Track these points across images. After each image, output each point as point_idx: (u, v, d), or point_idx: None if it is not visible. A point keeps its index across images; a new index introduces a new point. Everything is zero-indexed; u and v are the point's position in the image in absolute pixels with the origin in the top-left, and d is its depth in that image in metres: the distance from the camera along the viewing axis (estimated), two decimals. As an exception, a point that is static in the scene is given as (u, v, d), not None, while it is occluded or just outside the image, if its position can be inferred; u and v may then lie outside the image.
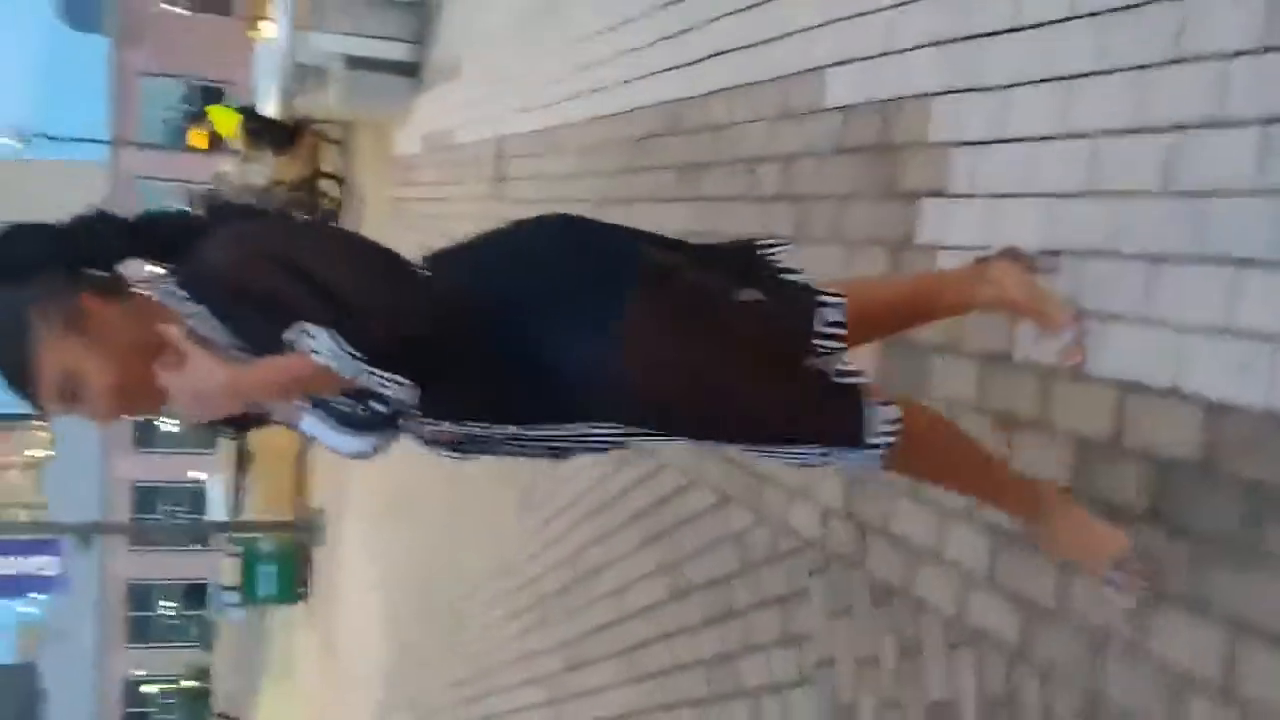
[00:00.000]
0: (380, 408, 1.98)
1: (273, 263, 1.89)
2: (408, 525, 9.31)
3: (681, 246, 2.24)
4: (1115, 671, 2.33)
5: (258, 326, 1.90)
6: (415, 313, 1.89)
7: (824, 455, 2.10)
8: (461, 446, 2.13)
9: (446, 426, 2.07)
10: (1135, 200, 2.32)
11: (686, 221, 4.29)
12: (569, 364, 1.97)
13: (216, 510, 24.52)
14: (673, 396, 2.01)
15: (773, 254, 2.24)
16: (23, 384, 1.95)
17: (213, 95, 32.35)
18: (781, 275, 2.21)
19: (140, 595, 41.29)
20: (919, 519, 2.93)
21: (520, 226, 2.16)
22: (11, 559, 13.43)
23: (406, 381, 1.86)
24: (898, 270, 3.06)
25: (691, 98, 4.32)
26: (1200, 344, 2.16)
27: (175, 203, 33.85)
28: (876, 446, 2.07)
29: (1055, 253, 2.45)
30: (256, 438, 17.59)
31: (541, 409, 2.05)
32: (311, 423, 2.05)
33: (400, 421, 2.04)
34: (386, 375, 1.83)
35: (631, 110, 4.92)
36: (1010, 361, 2.65)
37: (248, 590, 15.48)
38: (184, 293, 1.94)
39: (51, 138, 30.74)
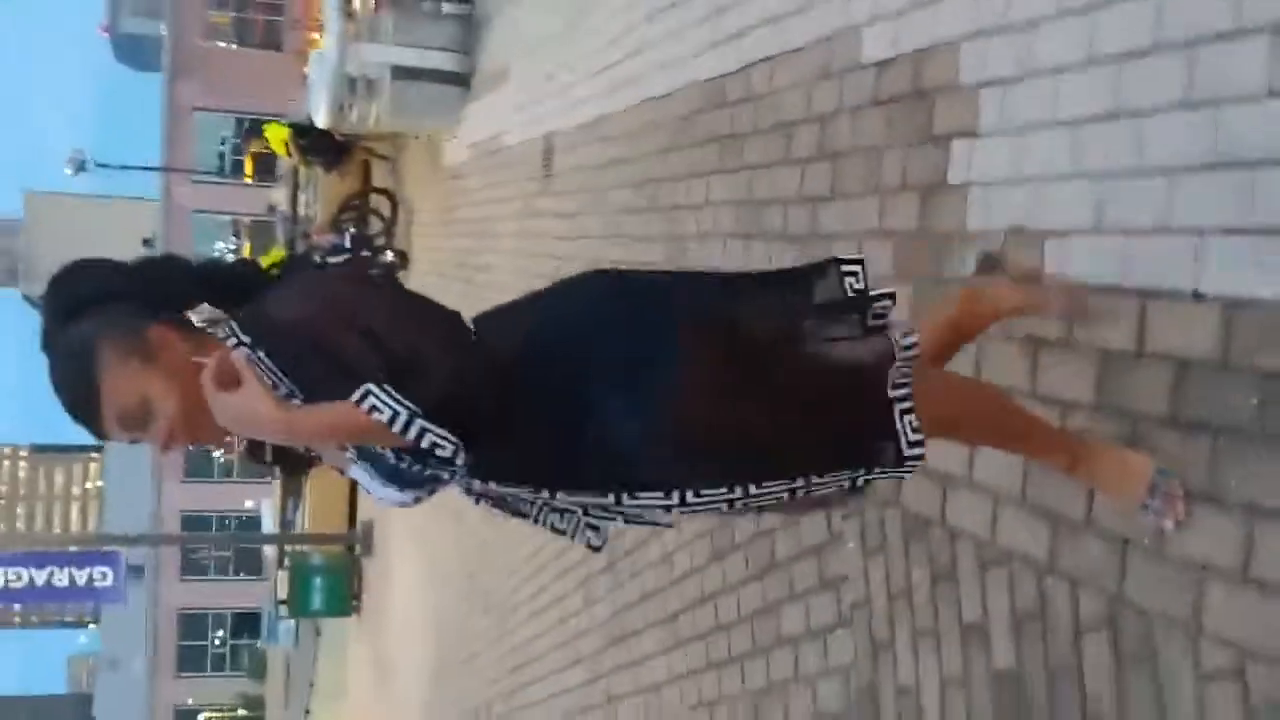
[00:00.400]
0: (426, 467, 1.99)
1: (338, 317, 1.94)
2: (452, 527, 9.43)
3: (740, 285, 2.19)
4: (1138, 573, 2.40)
5: (316, 377, 1.93)
6: (472, 374, 1.92)
7: (857, 477, 2.08)
8: (503, 504, 2.15)
9: (491, 487, 2.08)
10: (1155, 117, 2.42)
11: (728, 192, 4.41)
12: (615, 427, 1.98)
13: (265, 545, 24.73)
14: (717, 451, 2.01)
15: (851, 272, 2.14)
16: (86, 411, 1.97)
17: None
18: (856, 300, 2.13)
19: (191, 625, 41.67)
20: (951, 448, 3.01)
21: (567, 288, 2.13)
22: (69, 570, 13.70)
23: (457, 441, 1.87)
24: (930, 214, 3.17)
25: (733, 72, 4.46)
26: (1218, 246, 2.25)
27: (228, 235, 34.41)
28: (914, 457, 2.07)
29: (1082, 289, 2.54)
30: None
31: (583, 477, 2.03)
32: (358, 472, 2.08)
33: (444, 478, 2.05)
34: (438, 433, 1.84)
35: (675, 91, 5.07)
36: (1040, 285, 2.74)
37: (300, 604, 15.62)
38: (247, 337, 1.95)
39: (103, 165, 31.28)
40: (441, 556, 10.13)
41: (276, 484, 23.61)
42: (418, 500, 2.12)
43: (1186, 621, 2.27)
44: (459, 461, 1.89)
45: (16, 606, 70.22)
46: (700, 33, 4.86)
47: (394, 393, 1.83)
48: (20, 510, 69.56)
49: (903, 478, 2.14)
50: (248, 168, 29.78)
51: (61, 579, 13.78)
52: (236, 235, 34.34)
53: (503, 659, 7.62)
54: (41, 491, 73.10)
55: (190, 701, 39.85)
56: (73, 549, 15.74)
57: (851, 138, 3.59)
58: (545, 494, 2.06)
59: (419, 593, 11.28)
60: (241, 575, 43.42)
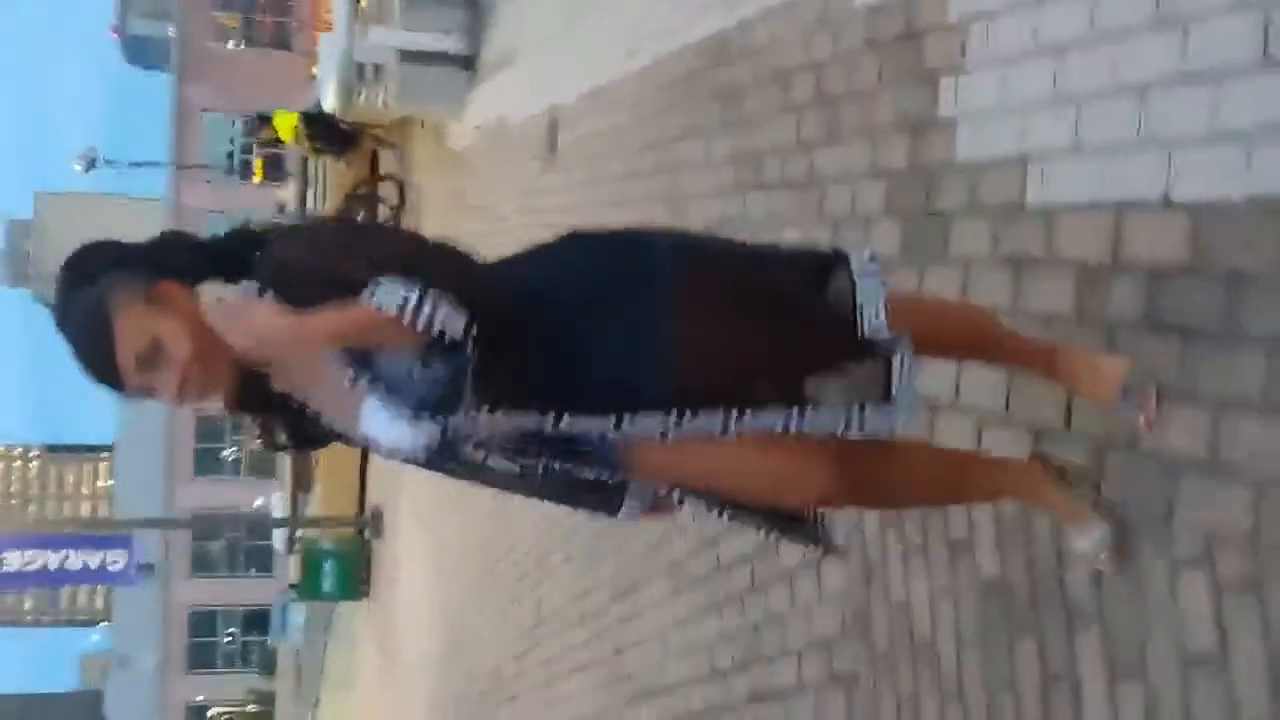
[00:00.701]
0: (439, 367, 2.03)
1: (345, 249, 2.05)
2: (461, 505, 9.56)
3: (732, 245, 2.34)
4: (1115, 473, 2.52)
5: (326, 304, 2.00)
6: (478, 278, 2.07)
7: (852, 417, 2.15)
8: (515, 457, 2.19)
9: (499, 416, 2.10)
10: (1128, 39, 2.54)
11: (728, 146, 4.53)
12: (617, 345, 2.09)
13: (278, 537, 24.84)
14: (717, 361, 2.11)
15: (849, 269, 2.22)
16: (102, 362, 2.01)
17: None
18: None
19: (202, 622, 41.83)
20: (939, 372, 3.13)
21: (553, 243, 2.25)
22: (83, 553, 13.84)
23: (466, 314, 1.96)
24: (920, 150, 3.29)
25: (732, 28, 4.58)
26: (1189, 154, 2.38)
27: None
28: (906, 400, 2.15)
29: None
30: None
31: (587, 396, 2.10)
32: (369, 412, 2.07)
33: (457, 403, 2.06)
34: (447, 309, 1.93)
35: (677, 53, 5.19)
36: (1023, 209, 2.86)
37: (311, 587, 15.77)
38: (255, 281, 2.04)
39: (111, 161, 31.46)
40: (449, 534, 10.26)
41: (286, 477, 23.79)
42: (429, 449, 2.10)
43: (1160, 514, 2.38)
44: (471, 338, 1.97)
45: (28, 605, 70.51)
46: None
47: (402, 279, 1.94)
48: (32, 509, 69.95)
49: (891, 428, 2.18)
50: (257, 171, 29.91)
51: (75, 562, 13.93)
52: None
53: (510, 626, 7.75)
54: (53, 490, 73.44)
55: (201, 698, 39.96)
56: (86, 533, 15.92)
57: (846, 82, 3.72)
58: (550, 419, 2.10)
59: (428, 571, 11.41)
60: (252, 572, 43.64)
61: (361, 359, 2.06)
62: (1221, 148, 2.28)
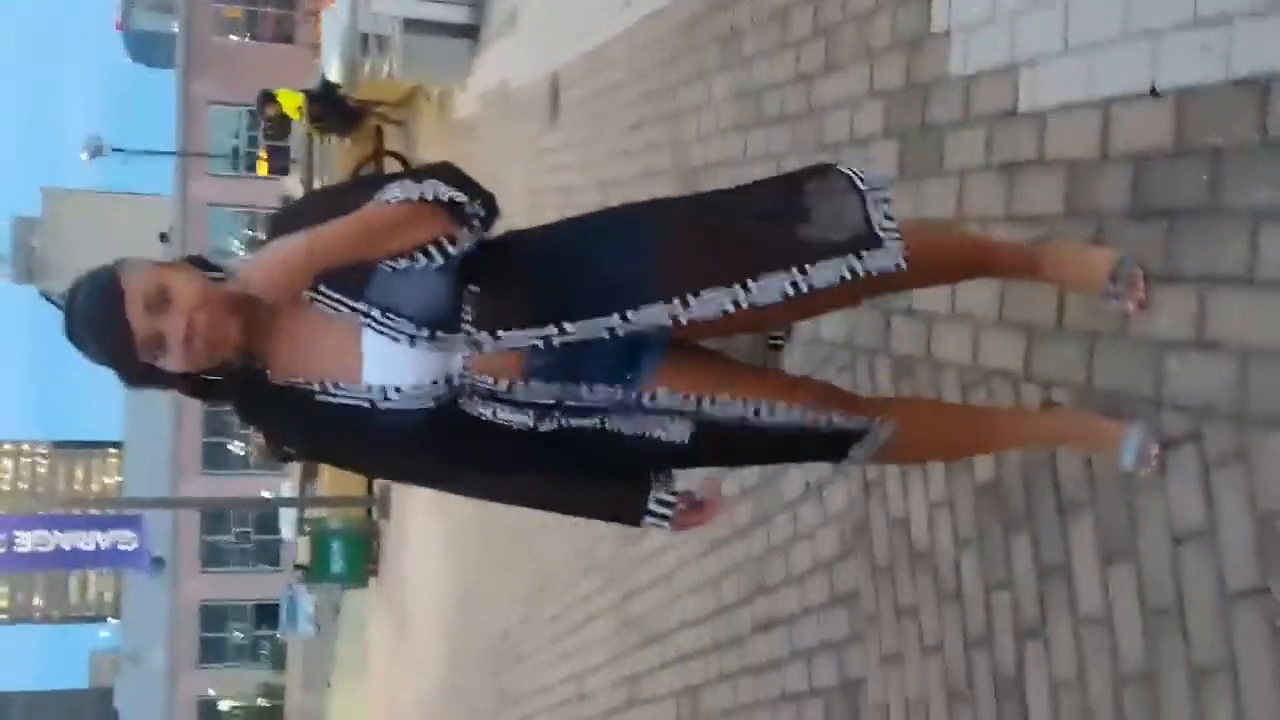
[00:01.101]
0: (438, 271, 2.06)
1: (353, 190, 2.16)
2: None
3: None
4: (1105, 362, 2.58)
5: None
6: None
7: (854, 266, 2.18)
8: (525, 409, 2.19)
9: (502, 337, 2.11)
10: (1114, -64, 2.59)
11: (728, 87, 4.58)
12: (612, 253, 2.16)
13: (287, 527, 24.97)
14: (708, 252, 2.17)
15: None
16: (112, 326, 2.01)
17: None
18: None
19: (212, 617, 41.96)
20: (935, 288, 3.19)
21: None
22: (93, 533, 13.93)
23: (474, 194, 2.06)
24: (916, 67, 3.34)
25: (731, -30, 4.64)
26: (1171, 42, 2.42)
27: (243, 228, 34.65)
28: (893, 237, 2.20)
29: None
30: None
31: (588, 298, 2.13)
32: (371, 352, 2.09)
33: (457, 317, 2.08)
34: (455, 190, 2.03)
35: (676, 2, 5.24)
36: (1015, 115, 2.91)
37: (319, 568, 15.86)
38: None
39: (119, 149, 31.52)
40: (457, 503, 10.32)
41: (295, 469, 23.90)
42: (435, 385, 2.12)
43: (1149, 397, 2.44)
44: (482, 216, 2.06)
45: (37, 601, 70.81)
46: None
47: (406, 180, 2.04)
48: (41, 491, 70.30)
49: (896, 263, 2.21)
50: (261, 164, 29.90)
51: (87, 543, 14.00)
52: (252, 228, 34.62)
53: (518, 583, 7.82)
54: (62, 487, 73.66)
55: (211, 692, 40.12)
56: (95, 513, 16.00)
57: (842, 11, 3.77)
58: (554, 329, 2.11)
59: (436, 544, 11.49)
60: (262, 567, 43.78)
61: (358, 290, 2.07)
62: (1204, 32, 2.33)
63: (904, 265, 2.21)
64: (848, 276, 2.19)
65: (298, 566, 16.40)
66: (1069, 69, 2.72)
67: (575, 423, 2.22)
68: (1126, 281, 2.46)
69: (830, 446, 2.36)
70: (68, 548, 13.95)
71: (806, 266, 2.16)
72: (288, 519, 21.75)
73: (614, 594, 5.83)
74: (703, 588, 4.70)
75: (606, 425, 2.22)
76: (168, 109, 41.92)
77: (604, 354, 2.17)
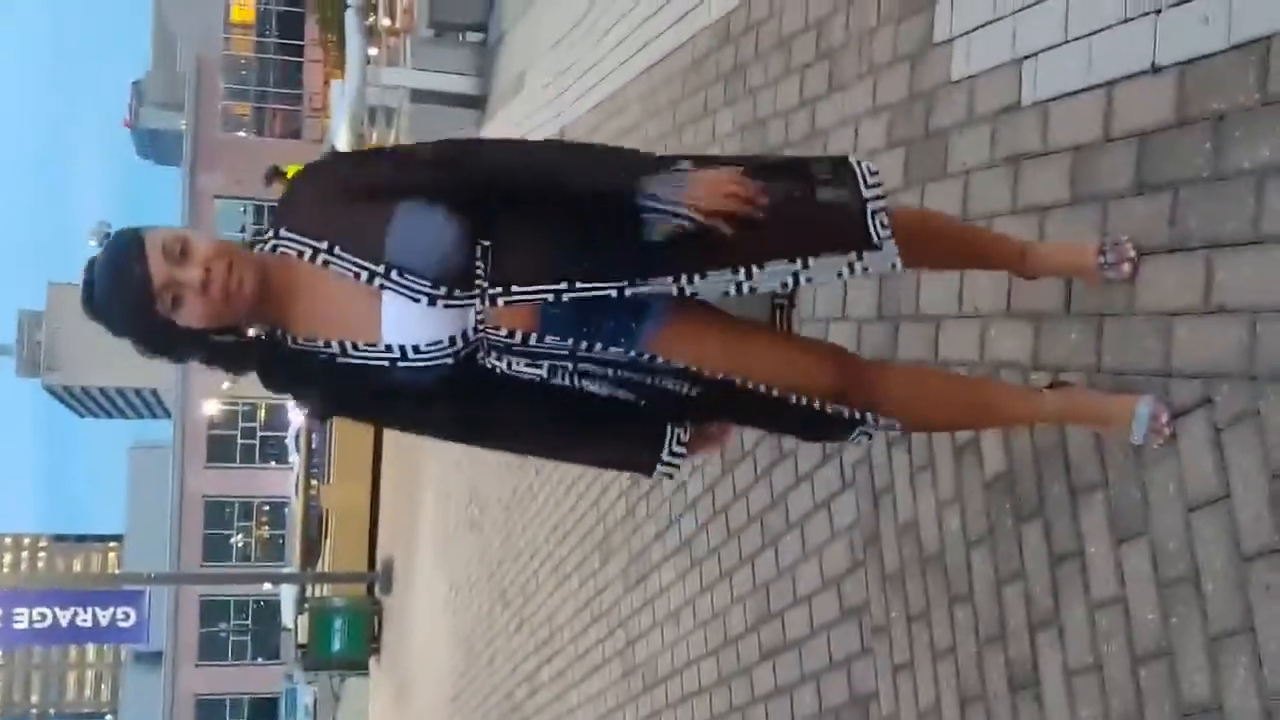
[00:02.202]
0: (453, 219, 2.09)
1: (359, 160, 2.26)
2: (471, 535, 9.59)
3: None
4: (1113, 341, 2.59)
5: (351, 216, 2.12)
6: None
7: (853, 263, 2.23)
8: (539, 361, 2.20)
9: (515, 295, 2.13)
10: (1113, -74, 2.65)
11: (734, 121, 4.65)
12: (621, 220, 2.16)
13: (287, 613, 24.78)
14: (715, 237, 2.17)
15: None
16: (131, 280, 2.03)
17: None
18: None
19: (209, 712, 41.50)
20: (941, 286, 3.21)
21: None
22: (92, 609, 13.83)
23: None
24: (918, 78, 3.39)
25: (736, 7, 4.72)
26: (1170, 18, 2.47)
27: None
28: (890, 238, 2.24)
29: None
30: (331, 496, 17.97)
31: (599, 261, 2.15)
32: (388, 312, 2.11)
33: (471, 273, 2.10)
34: None
35: (683, 43, 5.34)
36: (1019, 108, 2.96)
37: (320, 647, 15.66)
38: (269, 230, 2.19)
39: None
40: (461, 565, 10.27)
41: (295, 549, 23.75)
42: (452, 344, 2.13)
43: (1158, 370, 2.44)
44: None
45: (34, 698, 69.96)
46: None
47: None
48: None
49: (893, 264, 2.26)
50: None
51: (85, 619, 13.90)
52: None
53: (525, 642, 7.74)
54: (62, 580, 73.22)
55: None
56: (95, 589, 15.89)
57: (845, 33, 3.84)
58: (565, 285, 2.13)
59: (440, 613, 11.39)
60: (259, 660, 43.37)
61: (374, 252, 2.10)
62: (1204, 2, 2.37)
63: (899, 267, 2.27)
64: (844, 274, 2.24)
65: (298, 647, 16.21)
66: (1070, 57, 2.77)
67: (588, 379, 2.23)
68: (1114, 249, 2.52)
69: (829, 428, 2.36)
70: (65, 623, 13.84)
71: (810, 259, 2.20)
72: (288, 604, 21.58)
73: (619, 640, 5.77)
74: (710, 621, 4.66)
75: (619, 376, 2.24)
76: (174, 203, 42.41)
77: (610, 311, 2.19)
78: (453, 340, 2.14)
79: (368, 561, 15.68)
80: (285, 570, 19.96)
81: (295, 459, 28.05)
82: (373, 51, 10.34)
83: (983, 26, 3.11)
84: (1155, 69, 2.50)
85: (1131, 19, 2.58)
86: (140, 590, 14.79)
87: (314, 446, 24.01)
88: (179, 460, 41.61)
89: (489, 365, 2.20)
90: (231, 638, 43.93)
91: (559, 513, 7.13)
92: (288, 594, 25.05)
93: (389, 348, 2.14)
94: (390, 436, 18.02)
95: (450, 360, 2.15)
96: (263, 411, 44.11)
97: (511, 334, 2.17)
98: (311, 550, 22.76)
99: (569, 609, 6.74)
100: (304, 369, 2.21)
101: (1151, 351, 2.47)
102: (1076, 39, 2.75)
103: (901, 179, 3.42)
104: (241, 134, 45.78)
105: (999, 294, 2.99)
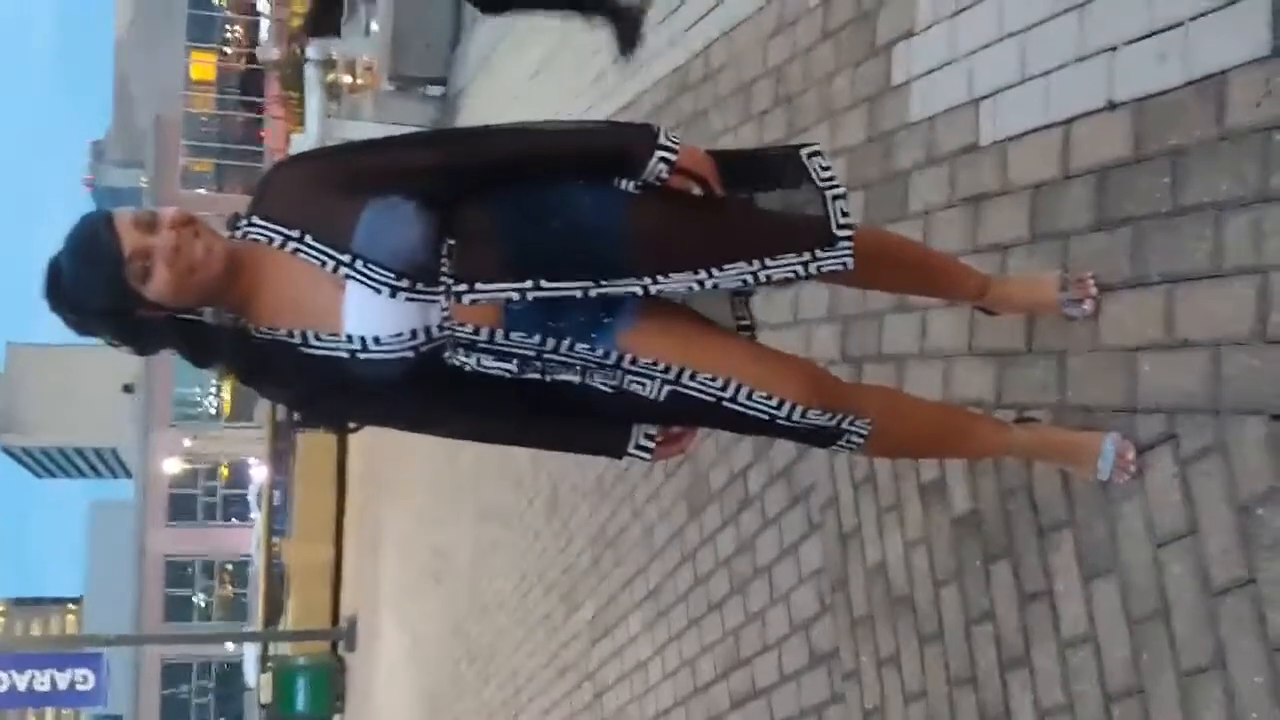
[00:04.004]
0: (419, 212, 2.08)
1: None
2: (435, 590, 9.50)
3: None
4: (1077, 377, 2.59)
5: (321, 204, 2.12)
6: None
7: (806, 263, 2.22)
8: (507, 358, 2.20)
9: (480, 292, 2.11)
10: (1067, -33, 2.68)
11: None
12: (585, 217, 2.17)
13: (250, 674, 24.47)
14: (676, 239, 2.20)
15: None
16: (101, 251, 2.04)
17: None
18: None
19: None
20: (904, 326, 3.21)
21: None
22: (50, 672, 13.56)
23: None
24: (876, 120, 3.41)
25: (695, 55, 4.75)
26: (1125, 56, 2.49)
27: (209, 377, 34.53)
28: (846, 237, 2.24)
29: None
30: (294, 553, 17.78)
31: (562, 260, 2.15)
32: (352, 301, 2.12)
33: (435, 268, 2.09)
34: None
35: (642, 94, 5.36)
36: (977, 148, 2.97)
37: (284, 706, 15.43)
38: (243, 219, 2.19)
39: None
40: (425, 620, 10.15)
41: (258, 609, 23.44)
42: (414, 334, 2.12)
43: (1122, 406, 2.44)
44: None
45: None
46: (656, 38, 5.18)
47: None
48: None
49: (844, 264, 2.26)
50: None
51: (43, 682, 13.65)
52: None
53: (492, 696, 7.64)
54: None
55: None
56: (54, 652, 15.61)
57: (804, 78, 3.86)
58: (530, 284, 2.12)
59: (404, 669, 11.25)
60: (222, 720, 42.78)
61: (341, 242, 2.10)
62: (1159, 40, 2.39)
63: (851, 266, 2.26)
64: (800, 273, 2.24)
65: (262, 706, 15.97)
66: (1027, 96, 2.79)
67: (557, 375, 2.23)
68: (1074, 286, 2.54)
69: (807, 438, 2.34)
70: (23, 687, 13.57)
71: (767, 260, 2.21)
72: (251, 663, 21.29)
73: (587, 693, 5.71)
74: (678, 670, 4.61)
75: (587, 380, 2.24)
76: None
77: (577, 310, 2.18)
78: (414, 334, 2.14)
79: (331, 618, 15.50)
80: (248, 629, 19.65)
81: (257, 516, 27.80)
82: (333, 106, 10.35)
83: (940, 68, 3.13)
84: (1112, 106, 2.51)
85: (1087, 57, 2.60)
86: (100, 652, 14.55)
87: (276, 504, 23.79)
88: (139, 519, 41.12)
89: (457, 363, 2.19)
90: (194, 700, 43.34)
91: (524, 563, 7.07)
92: (250, 653, 24.74)
93: (349, 338, 2.13)
94: (354, 493, 17.92)
95: (411, 354, 2.15)
96: (224, 469, 43.75)
97: (477, 330, 2.16)
98: (274, 608, 22.50)
99: (535, 662, 6.67)
100: (269, 360, 2.20)
101: (1115, 387, 2.46)
102: (1033, 78, 2.77)
103: (862, 220, 3.41)
104: (202, 190, 45.71)
105: (961, 333, 2.99)
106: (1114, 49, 2.52)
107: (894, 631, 3.20)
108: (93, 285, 2.07)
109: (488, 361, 2.20)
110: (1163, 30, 2.39)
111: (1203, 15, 2.29)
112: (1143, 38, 2.44)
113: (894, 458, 3.14)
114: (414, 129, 10.18)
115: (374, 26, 13.70)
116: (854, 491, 3.41)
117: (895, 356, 3.25)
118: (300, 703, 15.39)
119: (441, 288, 2.12)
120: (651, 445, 2.34)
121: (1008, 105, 2.86)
